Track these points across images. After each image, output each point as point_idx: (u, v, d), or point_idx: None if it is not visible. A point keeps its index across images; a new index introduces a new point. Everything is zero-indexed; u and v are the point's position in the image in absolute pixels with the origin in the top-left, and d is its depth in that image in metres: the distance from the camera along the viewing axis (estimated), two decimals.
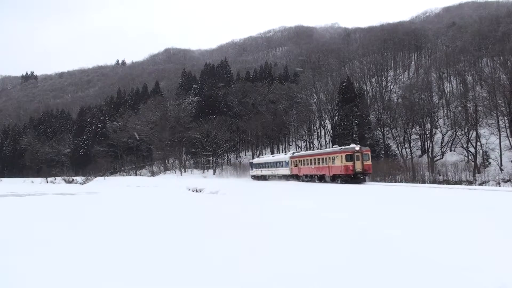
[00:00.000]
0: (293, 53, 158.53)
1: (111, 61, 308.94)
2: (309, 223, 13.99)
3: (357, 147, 33.62)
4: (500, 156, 47.03)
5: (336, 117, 69.39)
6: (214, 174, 76.75)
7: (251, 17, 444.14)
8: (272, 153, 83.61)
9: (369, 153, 34.82)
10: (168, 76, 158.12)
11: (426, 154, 55.51)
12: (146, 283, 7.32)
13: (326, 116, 77.11)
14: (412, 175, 46.62)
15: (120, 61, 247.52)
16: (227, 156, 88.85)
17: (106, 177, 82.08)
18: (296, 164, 42.55)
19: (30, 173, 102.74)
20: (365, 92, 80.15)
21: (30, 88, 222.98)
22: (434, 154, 53.10)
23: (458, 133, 52.31)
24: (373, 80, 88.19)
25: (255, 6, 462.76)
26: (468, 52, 79.54)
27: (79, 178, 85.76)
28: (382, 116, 63.40)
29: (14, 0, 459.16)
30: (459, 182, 42.07)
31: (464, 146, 50.19)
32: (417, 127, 57.27)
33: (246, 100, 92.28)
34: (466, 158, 49.76)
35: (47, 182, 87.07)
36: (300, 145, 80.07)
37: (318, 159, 37.42)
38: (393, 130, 59.96)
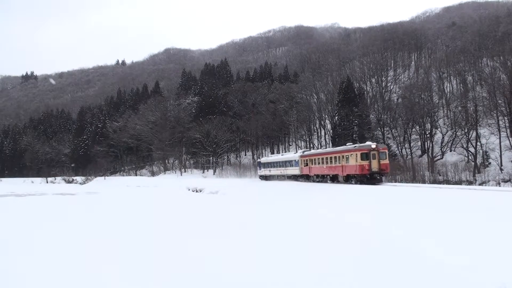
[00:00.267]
0: (293, 53, 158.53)
1: (111, 61, 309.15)
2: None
3: (374, 145, 31.29)
4: (500, 156, 47.01)
5: (336, 117, 69.36)
6: (214, 174, 76.70)
7: (251, 17, 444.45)
8: (272, 153, 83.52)
9: (386, 151, 32.60)
10: (168, 76, 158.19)
11: (426, 154, 55.50)
12: (146, 283, 7.31)
13: (326, 116, 77.08)
14: (412, 175, 46.58)
15: (120, 61, 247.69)
16: (227, 156, 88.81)
17: (106, 177, 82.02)
18: (307, 163, 40.31)
19: (30, 173, 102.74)
20: (365, 92, 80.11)
21: (30, 88, 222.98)
22: (434, 154, 53.08)
23: (458, 133, 52.28)
24: (373, 80, 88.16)
25: (255, 6, 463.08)
26: (468, 52, 79.51)
27: (79, 178, 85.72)
28: (382, 116, 63.35)
29: (14, 0, 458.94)
30: (459, 182, 42.03)
31: (464, 146, 50.16)
32: (417, 127, 57.23)
33: (246, 100, 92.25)
34: (466, 158, 49.75)
35: (47, 182, 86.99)
36: (300, 145, 80.00)
37: (331, 157, 35.15)
38: (393, 130, 59.94)
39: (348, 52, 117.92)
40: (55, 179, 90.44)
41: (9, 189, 51.25)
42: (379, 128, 61.87)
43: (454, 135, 53.07)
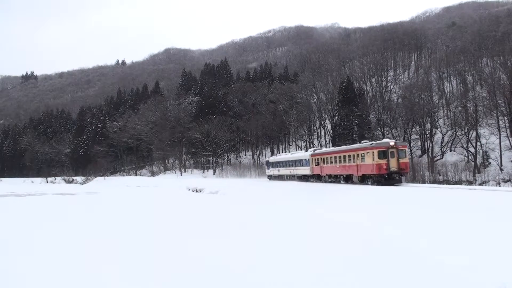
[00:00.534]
0: (293, 53, 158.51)
1: (111, 61, 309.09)
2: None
3: (392, 142, 28.98)
4: (500, 156, 47.01)
5: (336, 117, 69.37)
6: (214, 174, 76.73)
7: (251, 17, 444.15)
8: (272, 153, 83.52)
9: (406, 149, 30.23)
10: (168, 76, 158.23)
11: (426, 154, 55.51)
12: (146, 282, 7.31)
13: (326, 116, 77.08)
14: (412, 175, 46.59)
15: (120, 61, 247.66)
16: (227, 156, 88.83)
17: (106, 177, 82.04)
18: (318, 163, 38.01)
19: (30, 173, 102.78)
20: (365, 92, 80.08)
21: (30, 88, 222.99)
22: (434, 154, 53.09)
23: (458, 133, 52.28)
24: (373, 80, 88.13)
25: (255, 6, 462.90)
26: (468, 52, 79.47)
27: (79, 178, 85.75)
28: (382, 116, 63.35)
29: (14, 0, 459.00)
30: (459, 182, 42.05)
31: (464, 146, 50.16)
32: (417, 127, 57.24)
33: (246, 100, 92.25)
34: (466, 158, 49.75)
35: (47, 182, 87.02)
36: (300, 145, 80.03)
37: (344, 156, 32.84)
38: (393, 130, 59.95)
39: (348, 52, 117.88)
40: (55, 179, 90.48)
41: (9, 189, 51.28)
42: (379, 128, 61.88)
43: (454, 135, 53.07)
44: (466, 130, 50.64)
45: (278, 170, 48.55)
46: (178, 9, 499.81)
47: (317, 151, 40.44)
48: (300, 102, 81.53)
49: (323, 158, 37.13)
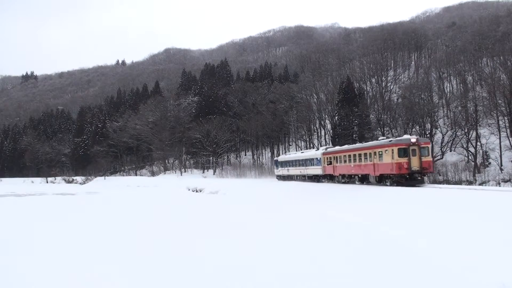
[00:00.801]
0: (293, 53, 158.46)
1: (111, 61, 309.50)
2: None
3: (414, 138, 26.61)
4: (500, 156, 47.02)
5: (336, 117, 69.41)
6: (214, 174, 76.75)
7: (251, 17, 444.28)
8: (273, 153, 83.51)
9: (429, 146, 27.88)
10: (168, 76, 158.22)
11: None
12: (146, 282, 7.31)
13: (326, 116, 77.12)
14: None
15: (120, 61, 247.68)
16: (227, 156, 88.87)
17: (106, 177, 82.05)
18: (330, 162, 35.68)
19: (30, 173, 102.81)
20: (365, 92, 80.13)
21: (30, 88, 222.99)
22: (434, 154, 53.11)
23: (458, 133, 52.30)
24: (373, 80, 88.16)
25: (255, 6, 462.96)
26: (468, 52, 79.51)
27: (79, 178, 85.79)
28: (382, 116, 63.40)
29: (15, 0, 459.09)
30: (459, 182, 42.05)
31: (464, 146, 50.19)
32: (417, 127, 57.28)
33: (246, 100, 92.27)
34: (466, 158, 49.77)
35: (47, 182, 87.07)
36: (300, 145, 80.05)
37: (360, 155, 30.54)
38: (393, 130, 59.97)
39: (348, 52, 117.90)
40: (55, 179, 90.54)
41: (9, 189, 51.34)
42: (379, 128, 61.95)
43: (454, 135, 53.09)
44: (466, 130, 50.67)
45: (288, 170, 46.35)
46: (178, 9, 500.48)
47: (329, 149, 38.14)
48: (300, 102, 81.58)
49: (336, 157, 34.87)
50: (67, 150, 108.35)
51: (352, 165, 31.65)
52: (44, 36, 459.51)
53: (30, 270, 8.36)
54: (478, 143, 49.65)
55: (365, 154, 29.68)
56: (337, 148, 37.57)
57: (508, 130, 49.02)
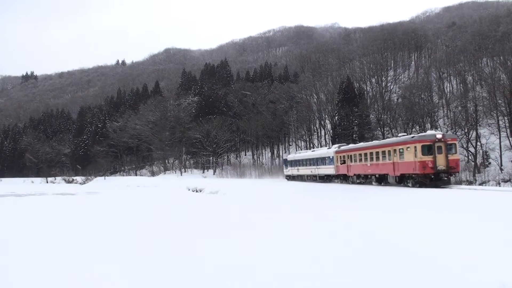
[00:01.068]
0: (293, 53, 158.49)
1: (111, 61, 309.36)
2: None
3: (439, 134, 24.10)
4: (500, 156, 47.04)
5: (336, 117, 69.48)
6: (214, 174, 76.78)
7: (251, 17, 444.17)
8: (272, 153, 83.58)
9: (456, 142, 25.20)
10: (168, 76, 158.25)
11: None
12: (146, 282, 7.32)
13: (326, 116, 77.18)
14: None
15: (120, 61, 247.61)
16: (227, 156, 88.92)
17: (106, 177, 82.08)
18: (344, 161, 33.31)
19: (30, 173, 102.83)
20: (365, 92, 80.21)
21: (30, 88, 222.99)
22: None
23: (458, 133, 52.31)
24: (373, 80, 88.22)
25: (255, 6, 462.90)
26: (468, 52, 79.55)
27: (79, 178, 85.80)
28: (382, 116, 63.43)
29: (15, 0, 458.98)
30: (459, 182, 42.03)
31: (464, 146, 50.20)
32: (417, 127, 57.31)
33: (246, 100, 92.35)
34: (466, 158, 49.79)
35: (47, 182, 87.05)
36: (300, 145, 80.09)
37: (377, 153, 28.02)
38: (393, 130, 60.00)
39: (348, 52, 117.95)
40: (55, 179, 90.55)
41: (9, 189, 51.33)
42: (379, 128, 61.99)
43: (454, 135, 53.11)
44: (466, 130, 50.70)
45: (298, 169, 44.17)
46: (178, 9, 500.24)
47: (343, 147, 35.63)
48: (300, 102, 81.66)
49: (351, 155, 32.39)
50: (67, 150, 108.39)
51: (369, 164, 29.19)
52: (44, 36, 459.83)
53: (30, 270, 8.36)
54: (478, 143, 49.68)
55: (383, 152, 27.27)
56: (352, 146, 35.27)
57: (508, 130, 49.03)
